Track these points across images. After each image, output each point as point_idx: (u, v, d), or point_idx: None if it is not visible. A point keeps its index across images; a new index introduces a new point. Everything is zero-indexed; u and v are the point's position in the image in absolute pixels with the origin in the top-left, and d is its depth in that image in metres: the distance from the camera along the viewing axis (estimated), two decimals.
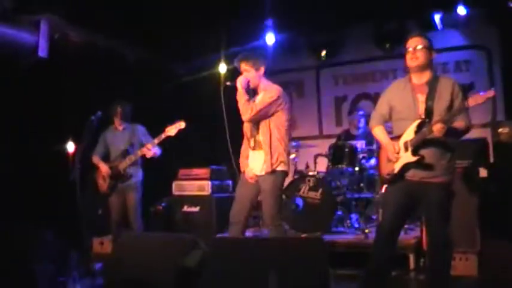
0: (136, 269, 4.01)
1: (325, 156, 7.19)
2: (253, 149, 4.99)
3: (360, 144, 6.94)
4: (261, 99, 4.89)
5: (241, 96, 4.85)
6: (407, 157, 4.11)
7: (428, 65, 4.20)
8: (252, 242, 4.42)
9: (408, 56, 4.19)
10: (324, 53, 8.34)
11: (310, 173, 6.85)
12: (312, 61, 8.75)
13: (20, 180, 6.53)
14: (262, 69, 4.99)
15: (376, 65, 8.40)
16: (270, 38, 8.03)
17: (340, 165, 6.78)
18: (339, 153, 6.86)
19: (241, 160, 5.12)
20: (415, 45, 4.14)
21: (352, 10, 7.50)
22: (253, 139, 4.98)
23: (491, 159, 5.89)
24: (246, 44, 7.85)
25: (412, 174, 4.12)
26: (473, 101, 3.83)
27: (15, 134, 6.57)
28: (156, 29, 7.30)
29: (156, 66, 8.56)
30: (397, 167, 4.19)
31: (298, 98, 9.14)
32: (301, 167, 7.28)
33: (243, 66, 4.92)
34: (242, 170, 5.10)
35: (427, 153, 4.07)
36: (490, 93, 3.85)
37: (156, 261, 3.96)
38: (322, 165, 7.42)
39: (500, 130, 5.79)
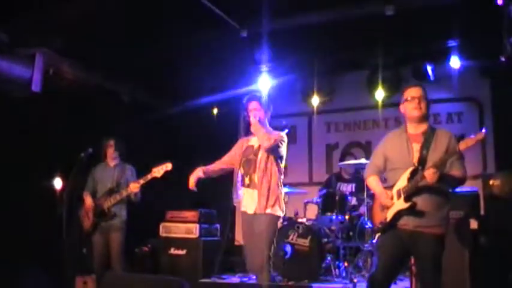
0: None
1: (315, 203, 7.15)
2: (248, 187, 4.96)
3: (350, 187, 6.93)
4: (273, 134, 4.98)
5: (259, 127, 4.89)
6: (400, 204, 4.08)
7: (428, 116, 4.24)
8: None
9: (411, 106, 4.17)
10: (317, 99, 8.34)
11: (300, 220, 6.79)
12: (304, 107, 8.77)
13: (6, 216, 6.43)
14: (269, 114, 5.13)
15: (368, 113, 8.43)
16: (265, 83, 8.08)
17: (329, 213, 6.74)
18: (329, 201, 6.83)
19: (233, 191, 5.08)
20: (419, 95, 4.15)
21: (347, 58, 7.61)
22: (248, 177, 4.96)
23: (482, 212, 5.86)
24: (240, 88, 7.90)
25: (405, 223, 4.07)
26: (464, 144, 3.80)
27: (2, 168, 6.49)
28: (153, 69, 7.34)
29: (150, 106, 8.57)
30: (389, 215, 4.14)
31: (290, 144, 9.09)
32: (290, 213, 7.20)
33: (255, 105, 5.01)
34: (234, 203, 5.12)
35: (420, 200, 4.02)
36: (480, 135, 3.81)
37: None
38: (312, 212, 7.37)
39: (491, 182, 5.78)
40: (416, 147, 4.13)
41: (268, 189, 4.85)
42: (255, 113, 4.96)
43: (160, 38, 6.75)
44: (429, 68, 7.31)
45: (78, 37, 6.48)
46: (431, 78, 7.36)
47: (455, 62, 7.05)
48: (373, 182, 4.40)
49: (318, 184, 8.23)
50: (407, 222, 4.06)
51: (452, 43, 6.91)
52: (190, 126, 8.84)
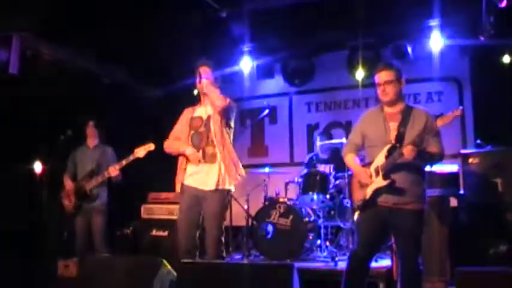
0: None
1: (296, 183, 7.18)
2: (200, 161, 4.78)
3: (329, 167, 6.96)
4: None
5: (212, 87, 4.80)
6: (379, 182, 4.13)
7: (399, 96, 4.26)
8: (221, 267, 4.34)
9: (378, 91, 4.24)
10: (297, 80, 8.33)
11: (281, 200, 6.81)
12: (285, 87, 8.76)
13: None
14: (217, 86, 4.96)
15: (348, 93, 8.45)
16: (246, 64, 8.06)
17: (311, 192, 6.76)
18: (310, 180, 6.85)
19: (178, 175, 4.89)
20: (384, 80, 4.17)
21: (327, 38, 7.59)
22: (201, 151, 4.79)
23: (461, 190, 5.93)
24: (221, 69, 7.85)
25: (385, 200, 4.13)
26: (441, 121, 3.86)
27: None
28: (132, 50, 7.26)
29: (130, 88, 8.49)
30: (368, 193, 4.19)
31: (270, 124, 9.14)
32: (271, 193, 7.23)
33: (206, 69, 4.89)
34: (178, 189, 4.87)
35: (398, 177, 4.08)
36: (457, 111, 3.87)
37: (123, 284, 3.86)
38: (293, 192, 7.41)
39: (470, 160, 5.85)
40: (393, 125, 4.18)
41: (229, 163, 4.75)
42: (206, 76, 4.84)
43: (140, 19, 6.65)
44: (409, 48, 7.33)
45: (56, 18, 6.38)
46: (411, 57, 7.38)
47: (435, 42, 7.07)
48: (351, 159, 4.43)
49: (299, 164, 8.27)
50: (387, 199, 4.12)
51: (432, 22, 6.93)
52: (172, 107, 8.76)
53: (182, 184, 4.83)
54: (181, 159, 4.91)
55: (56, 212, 6.66)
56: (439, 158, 4.19)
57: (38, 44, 6.81)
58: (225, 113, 4.79)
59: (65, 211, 6.37)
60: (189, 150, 4.76)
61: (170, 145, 4.99)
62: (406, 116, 4.17)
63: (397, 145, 4.08)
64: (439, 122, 3.86)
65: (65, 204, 6.36)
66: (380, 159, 4.15)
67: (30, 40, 6.65)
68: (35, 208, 5.85)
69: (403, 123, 4.14)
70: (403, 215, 4.08)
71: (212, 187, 4.71)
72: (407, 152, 3.93)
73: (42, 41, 6.87)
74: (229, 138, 4.89)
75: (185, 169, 4.84)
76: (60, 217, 6.60)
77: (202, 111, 4.93)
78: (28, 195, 6.05)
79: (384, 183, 4.10)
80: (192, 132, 4.87)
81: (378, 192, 4.15)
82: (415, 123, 4.12)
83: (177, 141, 4.96)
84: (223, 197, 4.77)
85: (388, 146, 4.12)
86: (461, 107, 3.96)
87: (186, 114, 5.03)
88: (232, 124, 4.97)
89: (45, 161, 5.99)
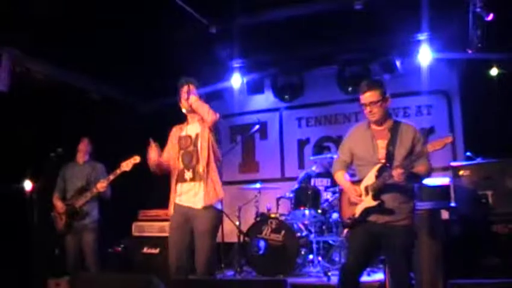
0: None
1: (288, 198, 7.17)
2: (191, 180, 4.73)
3: (326, 181, 6.96)
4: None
5: (201, 102, 4.75)
6: (368, 201, 4.15)
7: (386, 114, 4.25)
8: (213, 284, 4.31)
9: (365, 111, 4.22)
10: (287, 95, 8.35)
11: (273, 215, 6.80)
12: (275, 103, 8.77)
13: None
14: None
15: (338, 107, 8.47)
16: (236, 80, 8.09)
17: (302, 208, 6.75)
18: (302, 196, 6.85)
19: (170, 201, 4.82)
20: (370, 101, 4.16)
21: (316, 53, 7.63)
22: (191, 170, 4.73)
23: (453, 202, 5.94)
24: (211, 85, 7.88)
25: (374, 219, 4.15)
26: (432, 146, 3.89)
27: None
28: (122, 67, 7.27)
29: (121, 105, 8.48)
30: (358, 211, 4.22)
31: (261, 140, 9.14)
32: (263, 209, 7.22)
33: (192, 86, 4.82)
34: (170, 212, 4.80)
35: (387, 198, 4.11)
36: (448, 139, 3.92)
37: None
38: (285, 207, 7.40)
39: (461, 173, 5.87)
40: (381, 143, 4.19)
41: (214, 180, 4.70)
42: (193, 93, 4.79)
43: (129, 35, 6.66)
44: (398, 62, 7.38)
45: (45, 35, 6.37)
46: (400, 71, 7.43)
47: (424, 55, 7.13)
48: (341, 177, 4.45)
49: (291, 180, 8.26)
50: (377, 219, 4.14)
51: (421, 36, 7.00)
52: (162, 123, 8.76)
53: (174, 204, 4.79)
54: (173, 180, 4.86)
55: (47, 230, 6.61)
56: (427, 175, 4.22)
57: (27, 60, 6.79)
58: (215, 128, 4.77)
59: (56, 229, 6.32)
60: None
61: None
62: (394, 133, 4.18)
63: (387, 165, 4.10)
64: (430, 147, 3.89)
65: (56, 223, 6.31)
66: (370, 179, 4.17)
67: (20, 57, 6.64)
68: (25, 227, 5.79)
69: (392, 142, 4.15)
70: (394, 230, 4.09)
71: (201, 205, 4.66)
72: (397, 175, 3.94)
73: (31, 58, 6.85)
74: (218, 155, 4.84)
75: (175, 189, 4.80)
76: (51, 235, 6.55)
77: (190, 129, 4.89)
78: (18, 214, 5.98)
79: (374, 203, 4.12)
80: (182, 151, 4.82)
81: (367, 212, 4.17)
82: (403, 140, 4.14)
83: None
84: (214, 215, 4.72)
85: (378, 166, 4.14)
86: (451, 134, 4.01)
87: (175, 133, 4.99)
88: (219, 140, 4.89)
89: (35, 179, 5.94)
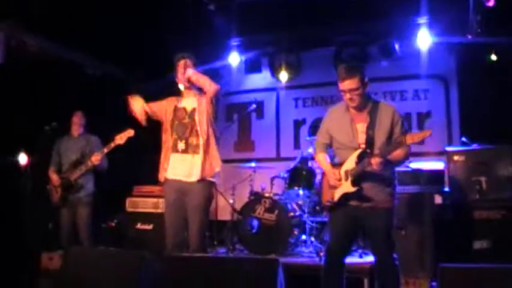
0: (87, 284, 3.88)
1: (282, 178, 7.18)
2: (183, 151, 4.75)
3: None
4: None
5: (200, 75, 4.76)
6: (347, 187, 4.16)
7: (366, 98, 4.22)
8: (206, 261, 4.33)
9: (345, 98, 4.18)
10: (284, 74, 8.31)
11: (266, 195, 6.81)
12: (272, 82, 8.74)
13: None
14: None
15: (335, 89, 8.38)
16: (234, 58, 8.04)
17: (296, 187, 6.76)
18: (296, 176, 6.85)
19: (162, 167, 4.84)
20: (349, 88, 4.11)
21: (314, 34, 7.58)
22: (184, 141, 4.75)
23: (446, 187, 5.97)
24: (210, 63, 7.83)
25: (354, 203, 4.18)
26: (410, 138, 3.85)
27: None
28: (119, 43, 7.21)
29: (116, 81, 8.43)
30: (336, 195, 4.24)
31: (257, 119, 9.12)
32: (257, 188, 7.23)
33: (188, 62, 4.84)
34: (161, 179, 4.83)
35: (366, 185, 4.13)
36: (427, 132, 3.96)
37: (109, 277, 3.84)
38: (279, 187, 7.41)
39: (455, 158, 5.88)
40: (361, 127, 4.18)
41: (211, 154, 4.73)
42: (189, 67, 4.81)
43: (127, 10, 6.61)
44: (396, 45, 7.34)
45: (43, 9, 6.32)
46: (399, 54, 7.40)
47: (423, 39, 7.09)
48: (321, 159, 4.46)
49: (286, 160, 8.26)
50: (355, 203, 4.17)
51: (420, 20, 6.95)
52: (157, 99, 8.73)
53: (165, 178, 4.79)
54: (165, 148, 4.87)
55: (41, 205, 6.61)
56: (405, 160, 4.29)
57: (23, 34, 6.73)
58: (216, 99, 4.79)
59: (51, 203, 6.33)
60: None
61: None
62: (373, 116, 4.16)
63: (368, 150, 4.10)
64: (408, 139, 3.84)
65: (52, 196, 6.31)
66: (350, 164, 4.17)
67: (16, 30, 6.58)
68: (19, 201, 5.79)
69: (371, 125, 4.14)
70: (374, 212, 4.12)
71: (195, 178, 4.68)
72: (376, 164, 3.95)
73: (28, 31, 6.79)
74: (215, 130, 4.86)
75: (168, 157, 4.79)
76: (45, 209, 6.56)
77: (186, 102, 4.88)
78: (12, 188, 5.98)
79: (352, 189, 4.13)
80: (176, 122, 4.83)
81: (345, 196, 4.19)
82: (382, 123, 4.13)
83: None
84: (207, 189, 4.75)
85: (358, 152, 4.13)
86: (430, 130, 4.01)
87: (171, 102, 4.96)
88: (216, 115, 4.93)
89: (30, 152, 5.93)
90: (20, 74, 6.69)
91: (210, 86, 4.70)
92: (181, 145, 4.76)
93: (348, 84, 4.10)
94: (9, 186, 6.16)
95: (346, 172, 4.16)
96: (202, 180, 4.69)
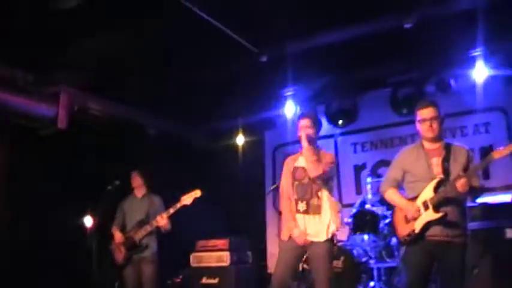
0: None
1: (346, 224, 7.04)
2: (305, 213, 4.68)
3: (381, 209, 6.82)
4: (324, 161, 4.70)
5: (309, 154, 4.64)
6: (430, 215, 4.11)
7: (442, 132, 4.34)
8: None
9: (424, 127, 4.29)
10: (341, 120, 8.26)
11: None
12: (329, 129, 8.69)
13: (38, 253, 6.47)
14: (319, 132, 4.90)
15: (394, 130, 8.31)
16: (289, 108, 8.05)
17: (361, 233, 6.62)
18: (360, 221, 6.73)
19: (286, 224, 4.78)
20: (430, 117, 4.24)
21: (368, 75, 7.54)
22: (305, 202, 4.68)
23: None
24: (264, 113, 7.89)
25: (434, 233, 4.11)
26: (498, 154, 3.94)
27: (34, 205, 6.56)
28: (176, 100, 7.39)
29: (176, 137, 8.60)
30: (418, 226, 4.18)
31: None
32: None
33: (306, 122, 4.77)
34: (284, 236, 4.75)
35: (448, 211, 4.08)
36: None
37: None
38: (343, 234, 7.26)
39: None
40: (436, 161, 4.24)
41: (330, 214, 4.66)
42: (306, 130, 4.70)
43: (181, 67, 6.79)
44: (452, 80, 7.22)
45: (101, 73, 6.58)
46: (455, 89, 7.26)
47: (479, 72, 6.92)
48: (394, 194, 4.44)
49: (348, 206, 8.12)
50: (436, 233, 4.10)
51: (475, 52, 6.75)
52: (217, 154, 8.85)
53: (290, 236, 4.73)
54: (287, 207, 4.82)
55: (107, 263, 6.70)
56: (482, 191, 4.32)
57: (85, 98, 7.00)
58: (320, 180, 4.69)
59: (115, 263, 6.39)
60: (296, 232, 4.67)
61: (283, 207, 4.92)
62: (447, 151, 4.24)
63: (445, 179, 4.11)
64: (496, 155, 3.95)
65: (115, 255, 6.38)
66: (427, 194, 4.15)
67: (78, 95, 6.85)
68: (86, 261, 5.90)
69: (446, 158, 4.20)
70: (452, 247, 4.08)
71: (322, 238, 4.64)
72: (462, 185, 3.95)
73: (89, 96, 7.06)
74: (331, 192, 4.78)
75: (293, 218, 4.73)
76: (110, 269, 6.63)
77: (303, 161, 4.78)
78: (81, 249, 6.11)
79: (437, 216, 4.08)
80: (296, 183, 4.78)
81: (427, 225, 4.13)
82: (457, 158, 4.20)
83: (289, 202, 4.84)
84: (329, 245, 4.69)
85: (436, 180, 4.14)
86: None
87: (289, 164, 4.93)
88: (333, 174, 4.93)
89: (95, 214, 6.06)
90: (83, 137, 6.94)
91: (311, 172, 4.65)
92: (302, 206, 4.72)
93: (429, 112, 4.25)
94: (77, 247, 6.28)
95: (425, 202, 4.15)
96: (325, 240, 4.65)
